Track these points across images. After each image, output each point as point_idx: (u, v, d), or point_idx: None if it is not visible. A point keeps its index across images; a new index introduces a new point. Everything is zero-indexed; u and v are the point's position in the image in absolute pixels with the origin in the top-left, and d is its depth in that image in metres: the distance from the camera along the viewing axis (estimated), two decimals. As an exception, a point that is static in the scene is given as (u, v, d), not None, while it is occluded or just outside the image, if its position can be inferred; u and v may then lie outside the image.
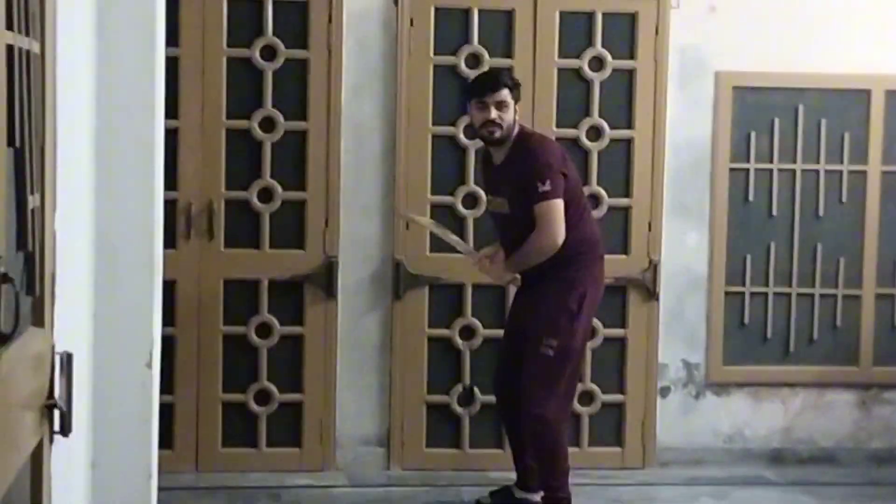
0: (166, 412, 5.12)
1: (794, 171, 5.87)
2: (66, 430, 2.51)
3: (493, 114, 4.76)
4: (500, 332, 5.51)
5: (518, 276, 4.89)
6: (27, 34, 2.32)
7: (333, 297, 5.59)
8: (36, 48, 2.41)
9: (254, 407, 5.60)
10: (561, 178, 4.74)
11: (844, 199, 5.90)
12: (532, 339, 4.82)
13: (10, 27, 2.18)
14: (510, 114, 4.79)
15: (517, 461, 5.15)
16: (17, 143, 2.21)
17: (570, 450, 5.51)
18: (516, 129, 4.84)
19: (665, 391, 5.84)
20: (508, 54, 5.62)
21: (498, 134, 4.79)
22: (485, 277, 5.28)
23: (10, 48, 2.18)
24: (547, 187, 4.68)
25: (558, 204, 4.71)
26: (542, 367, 4.79)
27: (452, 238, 5.15)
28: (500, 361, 5.15)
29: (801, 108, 5.84)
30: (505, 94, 4.79)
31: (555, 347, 4.77)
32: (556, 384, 4.81)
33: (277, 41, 5.50)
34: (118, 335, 3.43)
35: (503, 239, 5.00)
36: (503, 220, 4.93)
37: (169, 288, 5.05)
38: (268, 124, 5.53)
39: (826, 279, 5.92)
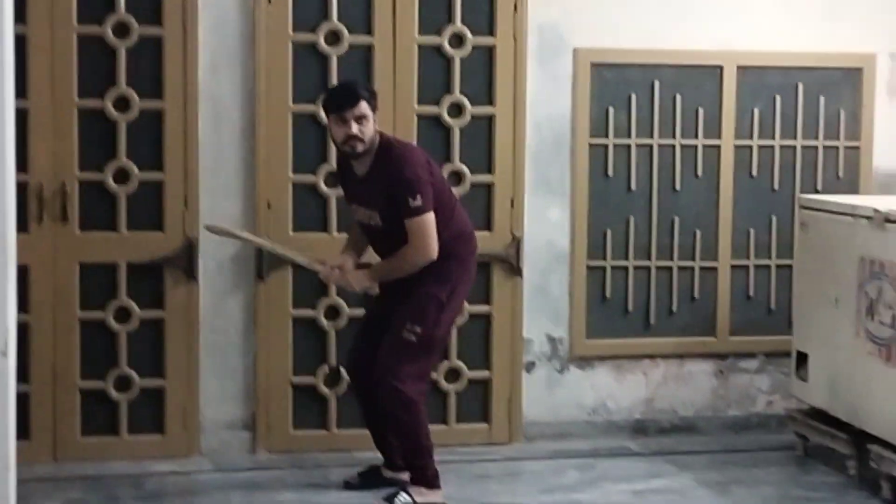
0: (22, 401, 4.96)
1: (651, 146, 5.96)
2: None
3: (354, 128, 4.71)
4: (363, 312, 5.49)
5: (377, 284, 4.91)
6: None
7: (194, 280, 5.48)
8: None
9: (114, 394, 5.48)
10: (429, 187, 4.74)
11: (700, 173, 6.01)
12: (397, 324, 4.82)
13: None
14: (370, 126, 4.75)
15: (380, 442, 5.14)
16: None
17: (438, 427, 5.56)
18: (377, 139, 4.80)
19: (530, 366, 5.89)
20: (368, 31, 5.57)
21: (360, 148, 4.75)
22: None
23: None
24: (418, 202, 4.68)
25: (429, 217, 4.72)
26: (401, 349, 4.80)
27: (287, 253, 5.10)
28: (358, 343, 5.12)
29: (657, 84, 5.93)
30: (364, 107, 4.73)
31: (418, 334, 4.78)
32: (413, 365, 4.82)
33: (130, 18, 5.36)
34: (-29, 323, 3.30)
35: (376, 248, 5.00)
36: (374, 231, 4.90)
37: (22, 273, 4.88)
38: (122, 103, 5.39)
39: (684, 252, 6.03)
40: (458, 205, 5.04)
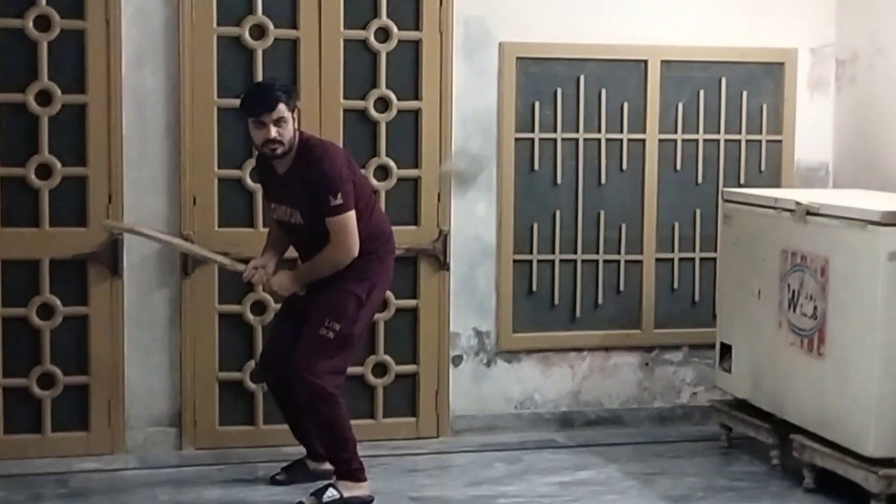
0: (-57, 400, 4.90)
1: (577, 141, 6.00)
2: None
3: (273, 132, 4.69)
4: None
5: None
6: None
7: (119, 276, 5.43)
8: None
9: (37, 391, 5.41)
10: (350, 186, 4.75)
11: (625, 167, 6.07)
12: (315, 320, 4.81)
13: None
14: (289, 128, 4.73)
15: (299, 434, 5.14)
16: None
17: (365, 422, 5.60)
18: (297, 138, 4.79)
19: (457, 360, 5.91)
20: (294, 25, 5.55)
21: (280, 150, 4.74)
22: None
23: None
24: (339, 200, 4.68)
25: (351, 216, 4.73)
26: (319, 345, 4.78)
27: (206, 253, 5.08)
28: (273, 337, 5.10)
29: (582, 79, 5.97)
30: (282, 109, 4.70)
31: (336, 331, 4.78)
32: (331, 361, 4.81)
33: (52, 11, 5.29)
34: None
35: (296, 246, 4.97)
36: (295, 229, 4.88)
37: (-58, 270, 4.82)
38: (44, 97, 5.32)
39: (609, 245, 6.08)
40: (378, 203, 5.07)
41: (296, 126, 4.80)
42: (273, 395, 5.16)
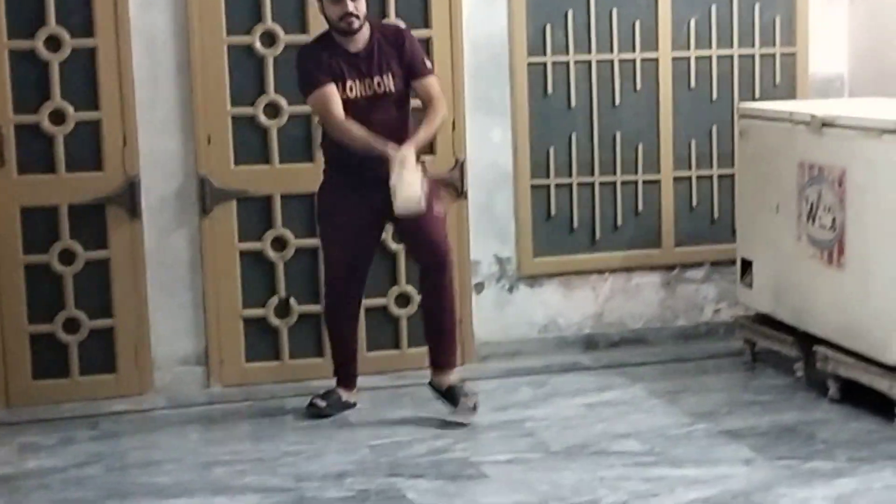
0: (-29, 348, 4.95)
1: (589, 63, 5.96)
2: None
3: (351, 6, 4.79)
4: (311, 242, 5.52)
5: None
6: None
7: (138, 218, 5.45)
8: None
9: (63, 336, 5.45)
10: None
11: (639, 87, 6.03)
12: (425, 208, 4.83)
13: None
14: (363, 3, 4.84)
15: (354, 363, 5.21)
16: None
17: (389, 352, 5.63)
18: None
19: (479, 287, 5.92)
20: (299, -41, 5.52)
21: (356, 24, 4.83)
22: (292, 187, 5.37)
23: None
24: (429, 64, 5.00)
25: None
26: (441, 224, 5.02)
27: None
28: (358, 266, 5.09)
29: (592, -1, 5.93)
30: None
31: (444, 208, 5.12)
32: None
33: (56, -46, 5.28)
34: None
35: (373, 122, 4.85)
36: (378, 101, 4.89)
37: (-38, 220, 4.85)
38: (53, 43, 5.31)
39: (626, 166, 6.06)
40: None
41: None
42: (347, 320, 5.16)
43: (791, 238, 5.32)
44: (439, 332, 5.11)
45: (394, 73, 4.90)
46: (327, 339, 5.31)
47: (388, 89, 4.90)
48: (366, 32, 4.90)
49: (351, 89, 4.90)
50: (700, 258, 6.18)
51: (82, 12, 5.32)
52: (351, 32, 4.85)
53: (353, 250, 5.06)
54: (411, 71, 4.91)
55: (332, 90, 4.86)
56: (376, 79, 4.89)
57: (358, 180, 4.93)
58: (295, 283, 5.65)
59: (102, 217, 5.43)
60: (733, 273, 5.89)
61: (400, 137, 4.83)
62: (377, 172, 4.77)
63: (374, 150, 4.79)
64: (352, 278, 5.12)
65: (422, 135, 4.89)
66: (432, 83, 4.95)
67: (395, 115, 4.94)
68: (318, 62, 4.92)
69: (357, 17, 4.81)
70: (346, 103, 4.89)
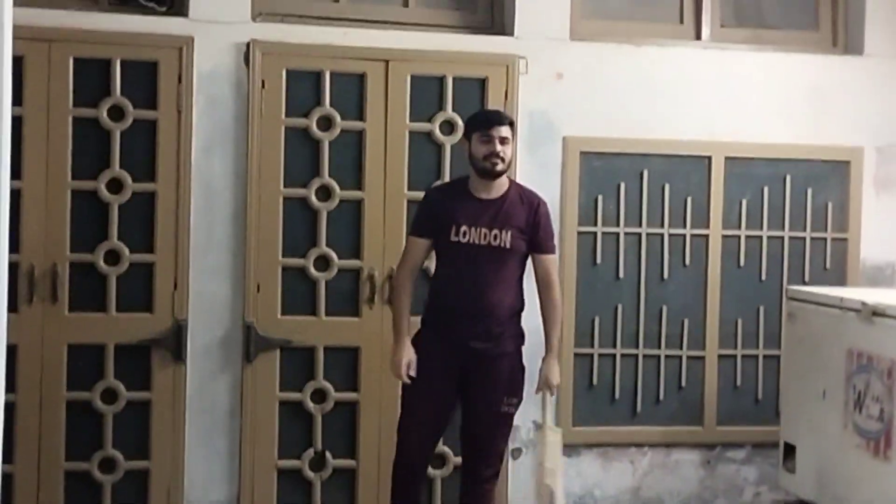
0: (6, 482, 4.94)
1: (639, 235, 6.00)
2: None
3: (499, 147, 4.88)
4: (352, 395, 5.52)
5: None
6: None
7: (182, 361, 5.48)
8: None
9: (98, 475, 5.44)
10: None
11: (688, 262, 6.05)
12: (491, 401, 4.88)
13: None
14: (510, 150, 4.95)
15: None
16: None
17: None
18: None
19: (517, 452, 5.87)
20: (360, 117, 5.63)
21: (500, 167, 4.91)
22: (334, 339, 5.43)
23: None
24: (554, 243, 5.05)
25: None
26: (506, 426, 4.95)
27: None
28: (426, 428, 4.98)
29: (645, 173, 5.98)
30: (507, 130, 4.93)
31: (514, 405, 4.93)
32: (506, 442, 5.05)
33: (126, 101, 5.41)
34: (-42, 405, 3.29)
35: (474, 272, 4.89)
36: (492, 252, 4.89)
37: (10, 353, 4.86)
38: (115, 185, 5.42)
39: (671, 340, 6.04)
40: None
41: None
42: (410, 490, 5.02)
43: (837, 425, 5.25)
44: None
45: (515, 234, 4.91)
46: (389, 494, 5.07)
47: (503, 244, 4.90)
48: (503, 184, 4.97)
49: (464, 234, 4.92)
50: (742, 438, 6.11)
51: (145, 158, 5.44)
52: (492, 175, 4.91)
53: (430, 405, 4.90)
54: (537, 242, 4.95)
55: (419, 245, 4.99)
56: (495, 231, 4.90)
57: (445, 336, 4.93)
58: (332, 437, 5.63)
59: (147, 359, 5.46)
60: (775, 456, 5.81)
61: (501, 296, 4.88)
62: (465, 335, 4.84)
63: (395, 328, 4.95)
64: (421, 433, 4.98)
65: (556, 341, 5.01)
66: (554, 263, 5.03)
67: (501, 273, 4.91)
68: (427, 210, 5.03)
69: (503, 159, 4.89)
70: (455, 247, 4.91)
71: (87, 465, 5.43)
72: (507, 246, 4.90)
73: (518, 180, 5.73)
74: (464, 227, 4.92)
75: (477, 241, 4.90)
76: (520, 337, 5.01)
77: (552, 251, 5.00)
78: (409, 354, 4.89)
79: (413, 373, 4.88)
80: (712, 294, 6.06)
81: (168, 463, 5.48)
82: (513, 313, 4.95)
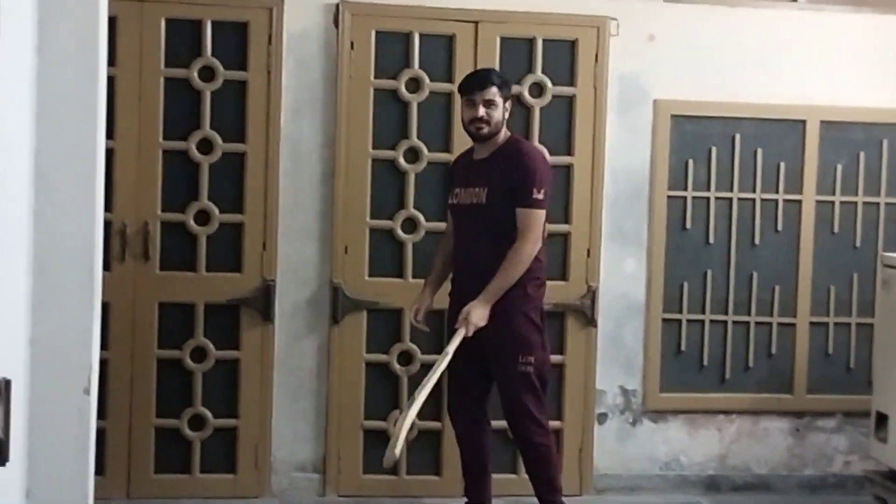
0: (98, 438, 4.99)
1: (730, 200, 5.91)
2: (2, 459, 2.43)
3: (481, 111, 4.82)
4: (437, 358, 5.48)
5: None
6: (-30, 52, 2.25)
7: (270, 321, 5.52)
8: (-22, 67, 2.34)
9: (187, 432, 5.51)
10: (550, 191, 4.84)
11: (780, 228, 5.95)
12: (508, 361, 4.79)
13: (-47, 45, 2.11)
14: (497, 111, 4.84)
15: (475, 488, 5.05)
16: (-40, 165, 2.14)
17: (509, 477, 5.54)
18: (506, 133, 4.89)
19: (602, 418, 5.84)
20: (449, 79, 5.60)
21: (485, 130, 4.84)
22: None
23: (-47, 67, 2.11)
24: (540, 196, 4.74)
25: (543, 215, 4.78)
26: (526, 386, 4.79)
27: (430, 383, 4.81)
28: (458, 386, 5.01)
29: (737, 137, 5.89)
30: (493, 91, 4.83)
31: (532, 364, 4.78)
32: (541, 397, 4.84)
33: (216, 62, 5.44)
34: (56, 361, 3.33)
35: (463, 232, 4.93)
36: (470, 211, 4.87)
37: (103, 311, 4.90)
38: (206, 146, 5.46)
39: (761, 307, 5.96)
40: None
41: (506, 117, 4.89)
42: (459, 443, 5.08)
43: (931, 395, 5.15)
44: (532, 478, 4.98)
45: (492, 187, 4.79)
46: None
47: (479, 200, 4.83)
48: (497, 142, 4.88)
49: (457, 196, 4.97)
50: (832, 407, 6.02)
51: (235, 119, 5.47)
52: (478, 138, 4.88)
53: (456, 362, 4.86)
54: (513, 195, 4.75)
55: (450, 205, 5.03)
56: (476, 189, 4.86)
57: (455, 297, 4.97)
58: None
59: (237, 318, 5.51)
60: (866, 425, 5.71)
61: (491, 255, 4.77)
62: (465, 297, 4.82)
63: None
64: (455, 391, 5.04)
65: (491, 285, 4.75)
66: (527, 215, 4.73)
67: (488, 232, 4.81)
68: (451, 174, 5.11)
69: (487, 123, 4.82)
70: (453, 209, 5.00)
71: (176, 422, 5.50)
72: (483, 202, 4.81)
73: (607, 143, 5.71)
74: (457, 190, 4.97)
75: (465, 202, 4.90)
76: (524, 297, 4.79)
77: (525, 203, 4.71)
78: (420, 302, 5.04)
79: (420, 317, 5.02)
80: (804, 260, 5.96)
81: (255, 422, 5.54)
82: (505, 299, 4.78)
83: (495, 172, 4.81)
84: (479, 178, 4.86)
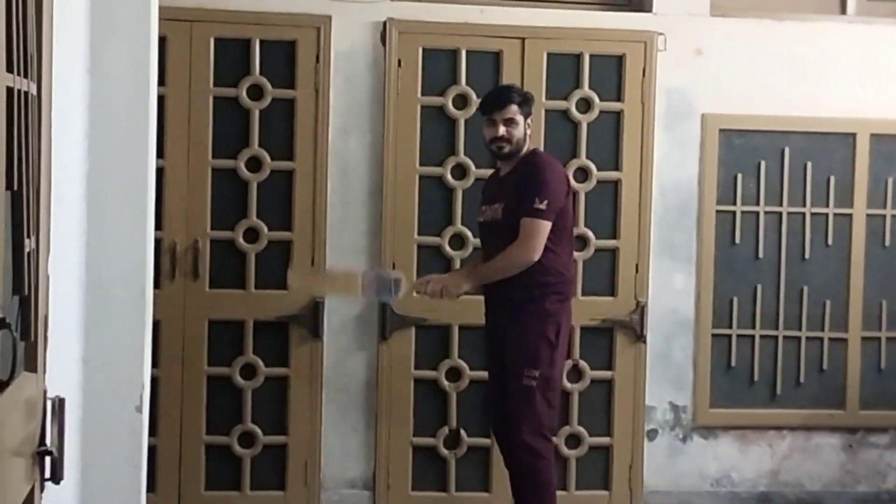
0: (150, 454, 5.02)
1: (780, 214, 5.87)
2: (57, 477, 2.46)
3: (501, 130, 4.80)
4: (485, 374, 5.48)
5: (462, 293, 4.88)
6: (25, 76, 2.29)
7: (319, 338, 5.54)
8: (33, 89, 2.38)
9: (238, 449, 5.54)
10: (558, 202, 4.72)
11: (830, 242, 5.90)
12: (513, 373, 4.75)
13: (10, 69, 2.14)
14: (519, 129, 4.82)
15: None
16: (16, 186, 2.17)
17: (558, 493, 5.49)
18: (528, 147, 4.87)
19: (652, 434, 5.81)
20: (496, 95, 5.60)
21: (507, 149, 4.82)
22: (470, 318, 5.30)
23: (9, 90, 2.14)
24: (541, 206, 4.67)
25: (545, 225, 4.69)
26: (527, 398, 4.71)
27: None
28: (494, 404, 4.99)
29: (787, 151, 5.85)
30: (513, 110, 4.81)
31: (536, 378, 4.72)
32: (541, 415, 4.74)
33: (265, 80, 5.48)
34: (108, 378, 3.38)
35: (486, 249, 4.95)
36: (491, 227, 4.88)
37: (153, 329, 4.95)
38: (254, 164, 5.50)
39: (812, 322, 5.91)
40: (572, 248, 4.96)
41: (528, 133, 4.86)
42: (502, 452, 5.01)
43: None
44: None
45: (505, 203, 4.79)
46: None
47: (496, 216, 4.84)
48: (515, 160, 4.85)
49: (482, 213, 5.00)
50: (886, 423, 5.95)
51: (284, 137, 5.50)
52: (500, 157, 4.89)
53: (488, 373, 4.94)
54: (519, 206, 4.71)
55: None
56: (495, 206, 4.86)
57: (485, 312, 4.96)
58: (467, 415, 5.65)
59: (286, 335, 5.54)
60: (921, 441, 5.66)
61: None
62: (488, 310, 4.86)
63: None
64: (492, 410, 5.01)
65: (478, 271, 4.84)
66: (525, 224, 4.67)
67: (500, 248, 4.77)
68: (482, 191, 5.10)
69: (508, 141, 4.80)
70: (479, 228, 5.04)
71: (227, 438, 5.53)
72: (499, 217, 4.81)
73: (655, 158, 5.69)
74: (483, 207, 4.99)
75: (488, 219, 4.92)
76: (540, 312, 4.73)
77: (528, 213, 4.65)
78: (437, 277, 4.94)
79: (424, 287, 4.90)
80: (856, 274, 5.91)
81: (305, 439, 5.56)
82: (526, 286, 4.73)
83: (511, 187, 4.81)
84: (498, 195, 4.87)
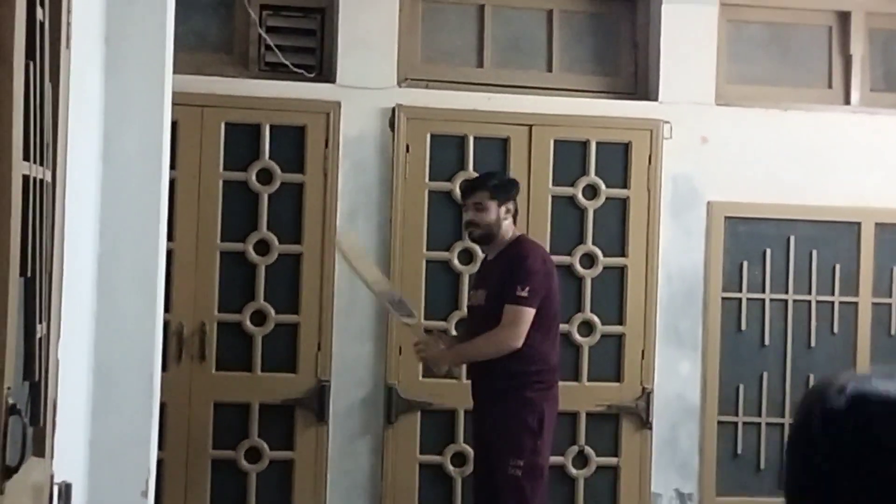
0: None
1: (785, 302, 5.89)
2: (63, 563, 2.46)
3: (470, 215, 4.84)
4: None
5: (453, 369, 4.96)
6: (41, 163, 2.33)
7: (325, 422, 5.54)
8: (48, 176, 2.41)
9: (241, 533, 5.52)
10: (541, 289, 4.71)
11: (836, 330, 5.91)
12: (497, 463, 4.71)
13: (26, 157, 2.18)
14: (489, 215, 4.79)
15: None
16: (29, 273, 2.20)
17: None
18: (513, 233, 4.84)
19: (657, 522, 5.78)
20: (503, 181, 5.65)
21: (476, 234, 4.86)
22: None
23: (25, 178, 2.18)
24: (524, 293, 4.67)
25: (528, 313, 4.68)
26: (512, 489, 4.68)
27: (398, 298, 4.98)
28: (474, 489, 4.96)
29: (792, 239, 5.88)
30: (482, 195, 4.81)
31: (521, 467, 4.69)
32: (530, 503, 4.71)
33: (274, 165, 5.54)
34: (115, 463, 3.38)
35: (471, 333, 4.92)
36: (476, 312, 4.90)
37: (159, 411, 4.98)
38: (263, 247, 5.54)
39: (819, 410, 5.88)
40: (557, 334, 4.90)
41: (503, 218, 4.80)
42: None
43: None
44: None
45: (488, 289, 4.79)
46: None
47: (479, 302, 4.83)
48: (503, 244, 4.83)
49: (469, 299, 5.10)
50: (893, 512, 5.90)
51: (292, 221, 5.55)
52: (474, 241, 5.00)
53: (474, 454, 4.96)
54: (504, 291, 4.68)
55: None
56: (479, 291, 4.87)
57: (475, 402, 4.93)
58: (471, 500, 5.60)
59: (291, 419, 5.54)
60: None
61: (483, 363, 4.77)
62: (473, 395, 4.85)
63: None
64: (473, 491, 4.99)
65: (460, 345, 4.88)
66: (510, 311, 4.64)
67: (480, 330, 4.77)
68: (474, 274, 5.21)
69: (477, 225, 4.81)
70: (467, 312, 5.12)
71: (230, 523, 5.51)
72: (483, 303, 4.81)
73: (661, 245, 5.72)
74: (471, 292, 5.07)
75: (473, 304, 4.97)
76: (521, 399, 4.70)
77: (511, 300, 4.63)
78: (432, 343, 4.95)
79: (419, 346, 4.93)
80: (861, 363, 5.90)
81: (309, 523, 5.53)
82: (508, 374, 4.71)
83: (494, 274, 4.81)
84: (483, 280, 4.91)
